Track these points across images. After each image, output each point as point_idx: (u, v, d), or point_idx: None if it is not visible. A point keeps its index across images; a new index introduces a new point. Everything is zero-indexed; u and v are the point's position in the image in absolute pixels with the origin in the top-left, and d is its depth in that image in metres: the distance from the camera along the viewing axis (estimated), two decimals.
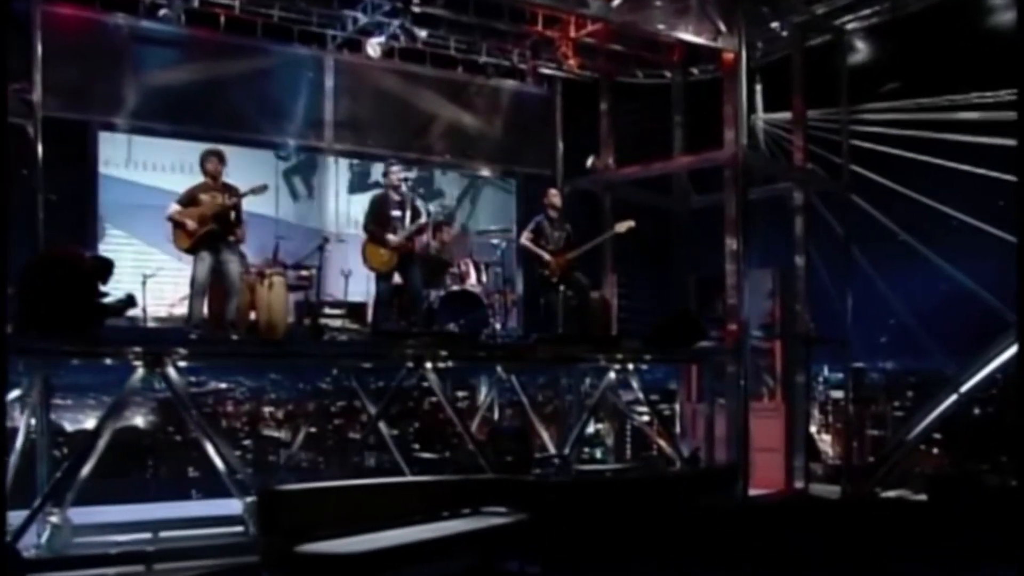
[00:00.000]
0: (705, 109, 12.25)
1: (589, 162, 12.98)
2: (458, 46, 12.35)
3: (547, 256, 10.82)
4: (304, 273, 10.37)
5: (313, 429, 14.17)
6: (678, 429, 13.01)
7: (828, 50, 13.03)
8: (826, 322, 12.60)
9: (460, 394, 15.39)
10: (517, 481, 7.88)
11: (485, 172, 13.35)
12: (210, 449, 9.54)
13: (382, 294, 10.07)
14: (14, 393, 9.17)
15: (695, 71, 13.57)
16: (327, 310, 10.65)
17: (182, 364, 8.58)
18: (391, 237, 9.89)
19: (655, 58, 12.95)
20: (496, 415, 14.93)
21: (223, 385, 14.17)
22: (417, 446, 14.60)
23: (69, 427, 13.14)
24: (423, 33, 11.85)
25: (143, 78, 11.08)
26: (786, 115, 13.19)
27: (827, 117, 13.24)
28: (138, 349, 8.24)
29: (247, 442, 14.11)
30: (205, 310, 9.27)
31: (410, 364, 9.42)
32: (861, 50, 13.27)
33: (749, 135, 13.26)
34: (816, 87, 12.90)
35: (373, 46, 11.23)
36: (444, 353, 9.52)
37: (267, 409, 14.34)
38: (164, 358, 8.37)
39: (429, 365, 9.48)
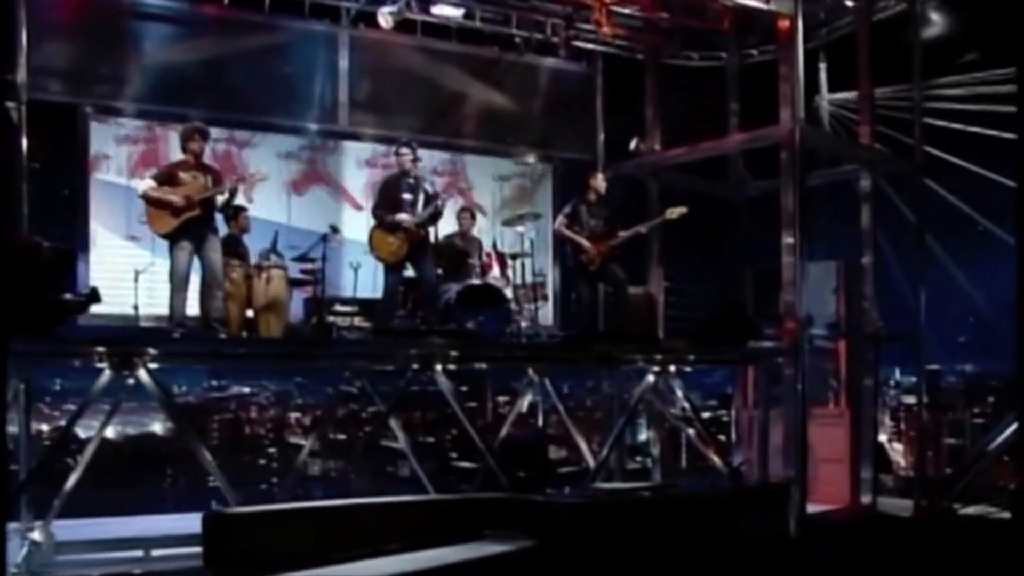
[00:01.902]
0: (764, 95, 10.99)
1: (633, 144, 11.82)
2: (485, 16, 11.27)
3: (585, 243, 9.78)
4: (309, 266, 9.46)
5: (342, 436, 13.37)
6: (733, 438, 11.87)
7: (897, 22, 11.73)
8: (897, 320, 11.28)
9: (502, 399, 14.45)
10: (521, 501, 6.82)
11: (522, 157, 12.25)
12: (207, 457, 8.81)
13: (390, 287, 9.11)
14: None
15: (754, 52, 12.34)
16: (338, 307, 9.79)
17: (156, 365, 7.67)
18: (404, 217, 8.94)
19: (703, 26, 11.71)
20: (540, 422, 14.00)
21: (246, 390, 13.33)
22: (455, 455, 13.70)
23: (83, 434, 12.40)
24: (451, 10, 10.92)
25: (140, 57, 10.23)
26: (853, 95, 11.90)
27: (897, 94, 11.93)
28: (101, 349, 7.37)
29: (272, 450, 13.24)
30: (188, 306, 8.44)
31: (416, 366, 8.42)
32: (935, 20, 11.99)
33: (813, 117, 12.16)
34: (884, 63, 11.60)
35: (385, 16, 10.24)
36: (455, 354, 8.49)
37: (293, 415, 13.47)
38: (134, 359, 7.49)
39: (439, 367, 8.48)
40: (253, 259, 9.30)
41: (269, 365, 11.89)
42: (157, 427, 12.89)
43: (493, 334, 9.31)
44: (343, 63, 11.03)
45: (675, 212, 10.11)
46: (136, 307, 9.13)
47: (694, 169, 12.01)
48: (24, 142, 9.44)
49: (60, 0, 9.95)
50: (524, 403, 12.23)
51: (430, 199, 9.06)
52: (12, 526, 8.64)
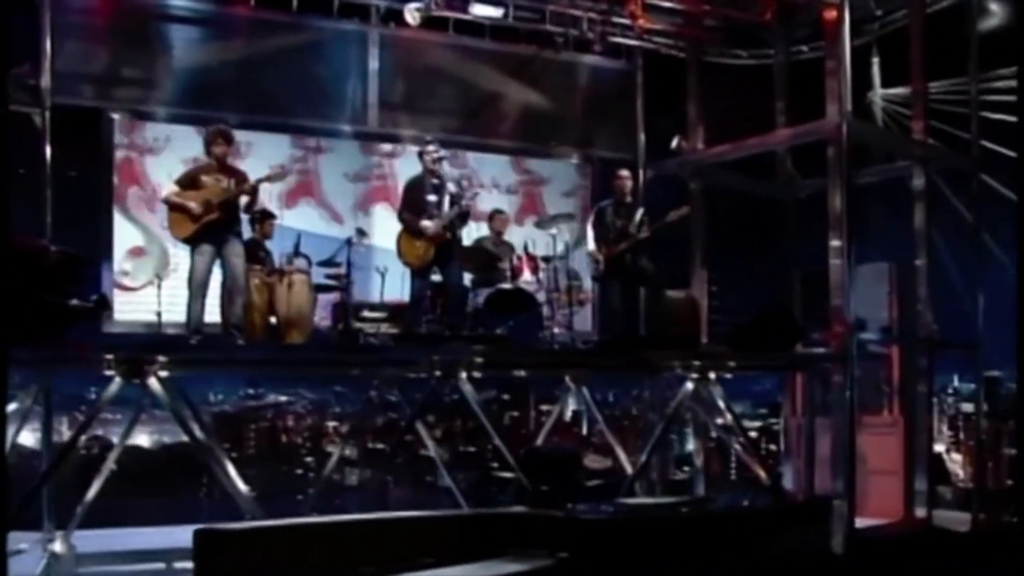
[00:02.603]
0: (815, 94, 10.48)
1: (674, 143, 11.38)
2: (519, 14, 10.92)
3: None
4: (336, 271, 9.20)
5: (381, 445, 13.10)
6: (782, 447, 11.37)
7: (953, 13, 11.16)
8: (954, 324, 10.67)
9: (544, 407, 14.09)
10: (541, 517, 6.44)
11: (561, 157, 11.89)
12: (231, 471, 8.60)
13: (416, 292, 8.81)
14: (11, 407, 8.27)
15: (804, 48, 11.82)
16: (366, 313, 9.50)
17: (166, 373, 7.42)
18: (427, 223, 8.64)
19: (744, 18, 11.23)
20: (584, 431, 13.64)
21: (283, 398, 13.13)
22: (495, 465, 13.38)
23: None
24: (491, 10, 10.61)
25: (167, 61, 10.13)
26: (908, 90, 11.34)
27: (954, 88, 11.34)
28: (110, 357, 7.15)
29: (309, 459, 13.02)
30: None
31: (438, 373, 8.10)
32: (993, 11, 11.40)
33: (865, 113, 11.64)
34: (940, 56, 11.02)
35: (411, 12, 9.95)
36: (479, 360, 8.15)
37: (331, 424, 13.24)
38: (144, 367, 7.26)
39: (463, 374, 8.15)
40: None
41: (290, 372, 11.66)
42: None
43: (523, 340, 8.96)
44: (373, 63, 10.77)
45: (677, 214, 9.70)
46: (159, 314, 8.99)
47: (740, 168, 11.55)
48: (48, 149, 9.36)
49: (85, 4, 9.82)
50: (567, 411, 11.95)
51: (455, 200, 8.75)
52: (33, 537, 8.57)
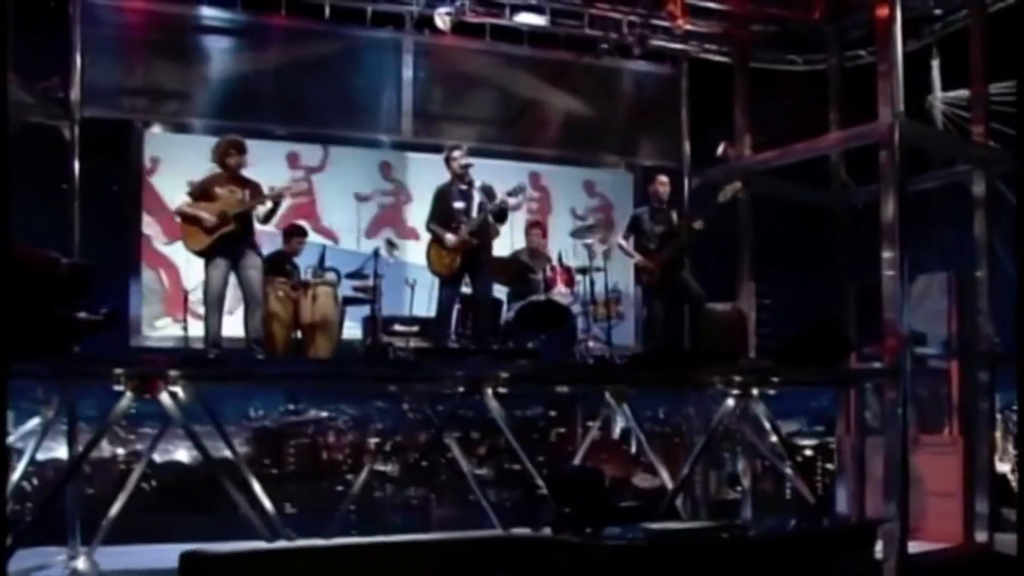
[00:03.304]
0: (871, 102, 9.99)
1: (720, 149, 10.96)
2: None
3: (638, 257, 9.05)
4: (364, 284, 8.95)
5: (424, 462, 12.82)
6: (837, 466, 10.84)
7: (1015, 12, 10.56)
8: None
9: (590, 424, 13.72)
10: (552, 543, 6.07)
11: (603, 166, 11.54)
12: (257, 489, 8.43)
13: (444, 303, 8.51)
14: (34, 421, 8.16)
15: (862, 53, 11.32)
16: (397, 327, 9.23)
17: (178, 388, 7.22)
18: (449, 237, 8.35)
19: (792, 16, 10.78)
20: (633, 449, 13.22)
21: (324, 414, 12.90)
22: (540, 484, 13.02)
23: (159, 459, 12.20)
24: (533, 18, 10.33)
25: (196, 72, 10.02)
26: (968, 93, 10.79)
27: (1016, 90, 10.73)
28: (119, 371, 6.97)
29: (350, 476, 12.76)
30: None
31: (461, 388, 7.79)
32: None
33: (925, 117, 11.11)
34: (1003, 57, 10.43)
35: (441, 17, 9.70)
36: (505, 376, 7.82)
37: (373, 440, 12.97)
38: (157, 382, 7.08)
39: (489, 391, 7.83)
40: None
41: (310, 387, 11.46)
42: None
43: (555, 354, 8.62)
44: (407, 71, 10.54)
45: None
46: (186, 328, 8.84)
47: (792, 176, 11.08)
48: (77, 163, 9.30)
49: (116, 17, 9.76)
50: (616, 429, 11.55)
51: (483, 208, 8.43)
52: (58, 553, 8.45)
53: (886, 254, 9.03)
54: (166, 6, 9.88)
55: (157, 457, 12.41)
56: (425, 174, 9.90)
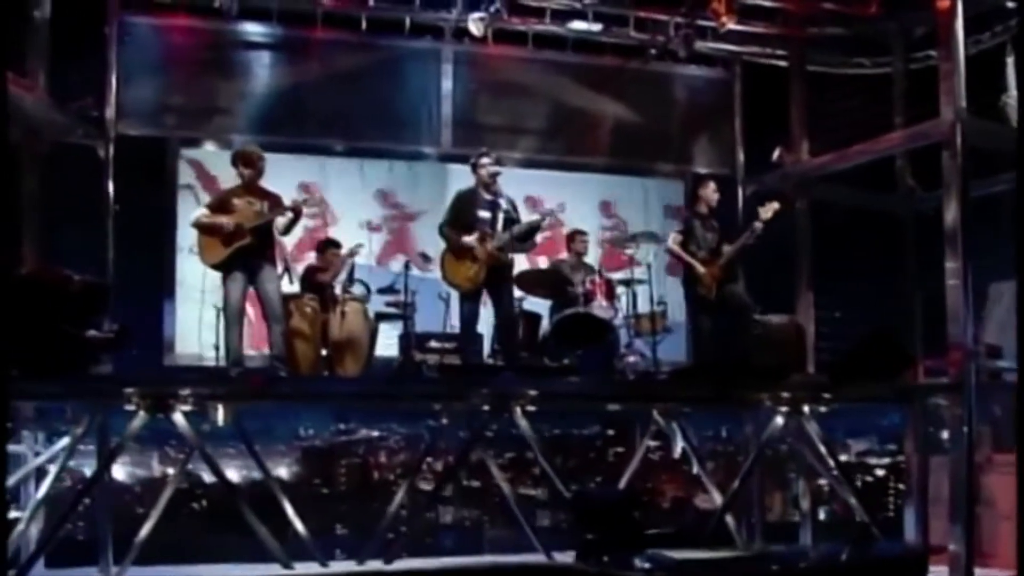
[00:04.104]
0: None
1: (775, 154, 10.45)
2: (600, 23, 10.24)
3: (700, 267, 8.61)
4: (397, 299, 8.70)
5: (477, 483, 12.51)
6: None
7: None
8: None
9: (652, 443, 13.26)
10: (566, 571, 5.68)
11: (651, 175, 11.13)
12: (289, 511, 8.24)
13: (467, 317, 8.17)
14: (63, 441, 8.07)
15: (932, 54, 10.67)
16: (433, 343, 8.95)
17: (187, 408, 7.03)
18: (467, 239, 8.00)
19: (846, 11, 10.23)
20: (695, 469, 12.76)
21: (375, 433, 12.65)
22: None
23: (207, 478, 12.10)
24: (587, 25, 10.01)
25: (234, 88, 9.93)
26: None
27: None
28: (130, 390, 6.80)
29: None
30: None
31: (486, 407, 7.46)
32: None
33: (999, 116, 10.44)
34: None
35: (476, 23, 9.42)
36: (533, 393, 7.47)
37: (424, 460, 12.68)
38: (170, 401, 6.90)
39: (518, 409, 7.49)
40: None
41: (336, 406, 11.23)
42: (282, 471, 12.41)
43: (593, 370, 8.23)
44: (447, 82, 10.28)
45: (768, 210, 8.67)
46: (217, 347, 8.67)
47: (854, 182, 10.52)
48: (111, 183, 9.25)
49: (151, 33, 9.71)
50: (676, 448, 11.11)
51: (510, 220, 8.08)
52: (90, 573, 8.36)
53: (949, 262, 8.51)
54: (202, 22, 9.77)
55: (206, 477, 12.42)
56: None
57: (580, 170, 10.76)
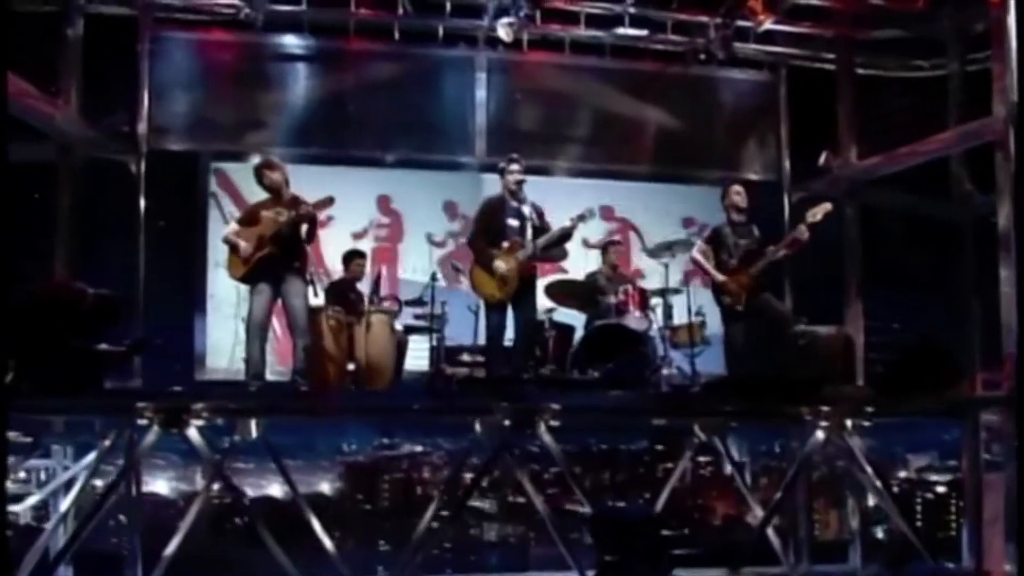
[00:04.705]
0: None
1: (822, 158, 10.07)
2: (636, 27, 9.99)
3: (720, 277, 8.27)
4: (424, 311, 8.52)
5: (522, 499, 12.27)
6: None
7: None
8: None
9: (702, 459, 12.89)
10: None
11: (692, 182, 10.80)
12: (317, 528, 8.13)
13: (494, 329, 7.94)
14: (91, 456, 8.05)
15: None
16: (465, 356, 8.76)
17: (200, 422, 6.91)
18: (499, 264, 7.79)
19: (890, 5, 9.83)
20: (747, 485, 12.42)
21: (418, 448, 12.46)
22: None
23: (252, 491, 12.04)
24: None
25: (266, 100, 9.90)
26: None
27: None
28: (143, 404, 6.71)
29: (445, 512, 12.29)
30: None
31: (507, 423, 7.22)
32: None
33: None
34: None
35: (504, 28, 9.23)
36: (557, 407, 7.22)
37: (469, 475, 12.47)
38: (183, 416, 6.79)
39: (542, 425, 7.24)
40: None
41: (353, 420, 11.06)
42: (324, 487, 12.31)
43: (623, 383, 7.94)
44: (480, 90, 10.10)
45: (818, 212, 8.24)
46: (246, 360, 8.58)
47: (906, 186, 10.09)
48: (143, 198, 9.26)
49: (183, 48, 9.72)
50: (729, 466, 10.76)
51: (538, 230, 7.84)
52: None
53: (1003, 269, 8.09)
54: (233, 36, 9.74)
55: (251, 492, 12.37)
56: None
57: (618, 178, 10.47)
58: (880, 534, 10.88)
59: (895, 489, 11.65)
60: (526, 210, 7.81)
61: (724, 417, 7.89)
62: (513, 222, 7.86)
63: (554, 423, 7.30)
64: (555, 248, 8.04)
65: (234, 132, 9.83)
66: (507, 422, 7.18)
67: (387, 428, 12.30)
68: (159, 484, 11.74)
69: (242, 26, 9.60)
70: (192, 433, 6.81)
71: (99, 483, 8.51)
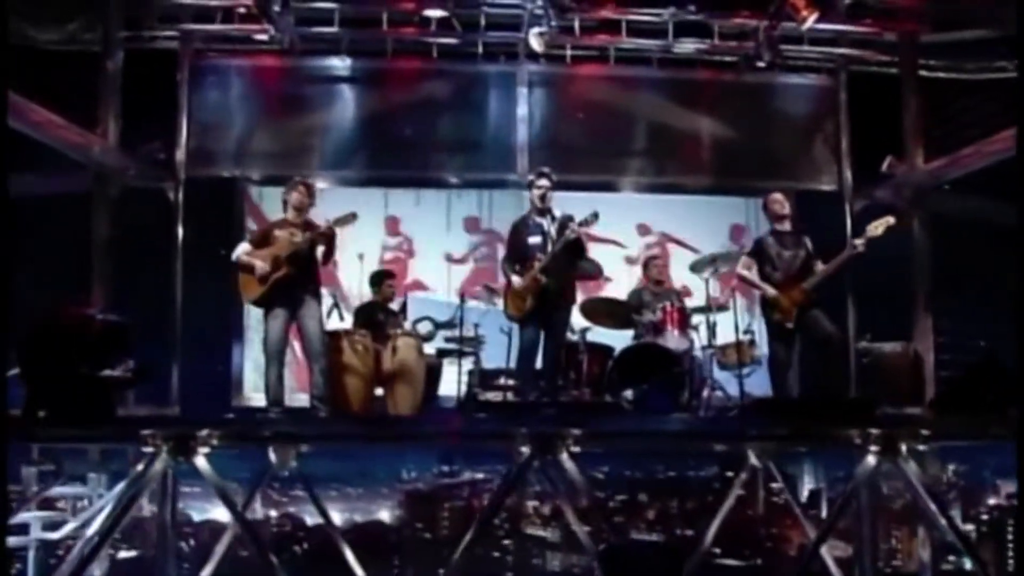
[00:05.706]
0: None
1: (886, 164, 9.47)
2: (681, 37, 9.59)
3: (772, 292, 7.74)
4: (455, 333, 8.26)
5: (587, 528, 11.88)
6: None
7: None
8: None
9: (774, 486, 12.29)
10: None
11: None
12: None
13: (524, 352, 7.59)
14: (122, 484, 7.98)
15: None
16: (501, 380, 8.45)
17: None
18: (516, 280, 7.47)
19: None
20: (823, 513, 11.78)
21: (479, 475, 12.16)
22: (718, 550, 11.70)
23: (310, 520, 11.91)
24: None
25: (306, 124, 9.81)
26: None
27: None
28: (148, 432, 6.56)
29: (507, 542, 11.98)
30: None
31: (524, 449, 6.86)
32: None
33: None
34: None
35: (536, 37, 8.94)
36: (576, 433, 6.82)
37: (531, 503, 12.14)
38: (191, 444, 6.62)
39: (564, 452, 6.86)
40: None
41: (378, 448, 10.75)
42: (385, 514, 12.11)
43: (659, 407, 7.53)
44: (522, 106, 9.82)
45: (879, 226, 7.63)
46: (266, 387, 8.45)
47: (976, 190, 9.44)
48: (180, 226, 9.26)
49: (221, 76, 9.72)
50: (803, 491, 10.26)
51: (554, 244, 7.48)
52: None
53: None
54: (271, 61, 9.72)
55: (308, 519, 12.25)
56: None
57: (668, 191, 10.07)
58: (969, 565, 10.17)
59: (984, 516, 10.91)
60: (544, 224, 7.45)
61: (775, 441, 7.37)
62: (535, 239, 7.50)
63: (576, 449, 6.90)
64: (578, 262, 7.64)
65: (273, 157, 9.75)
66: (524, 448, 6.80)
67: (447, 455, 12.05)
68: (215, 511, 11.72)
69: (280, 51, 9.52)
70: (200, 461, 6.63)
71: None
